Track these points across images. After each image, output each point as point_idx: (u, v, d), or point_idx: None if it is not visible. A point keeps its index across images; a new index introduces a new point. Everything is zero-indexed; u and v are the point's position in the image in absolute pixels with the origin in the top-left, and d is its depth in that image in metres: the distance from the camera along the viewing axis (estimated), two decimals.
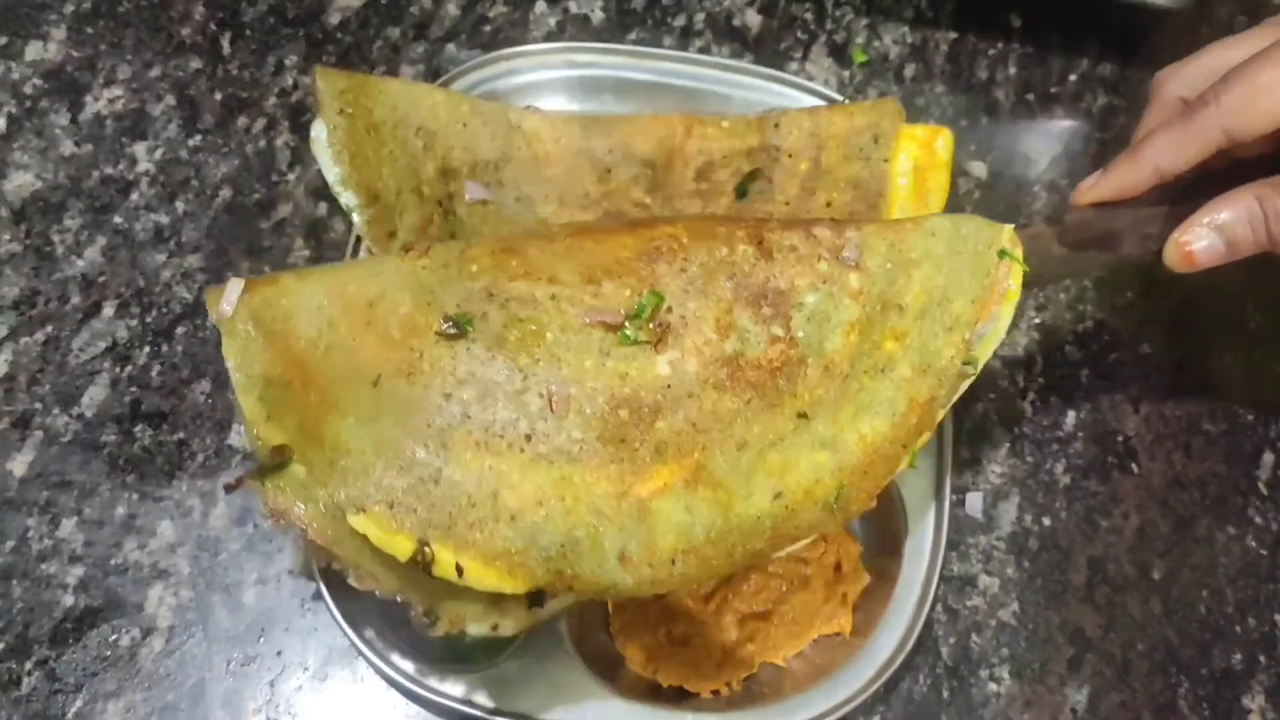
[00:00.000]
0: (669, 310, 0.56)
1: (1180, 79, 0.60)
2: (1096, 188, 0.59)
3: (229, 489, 0.51)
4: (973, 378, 0.58)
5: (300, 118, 0.80)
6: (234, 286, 0.54)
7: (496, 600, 0.53)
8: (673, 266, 0.56)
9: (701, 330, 0.56)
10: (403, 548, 0.51)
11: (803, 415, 0.56)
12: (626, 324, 0.55)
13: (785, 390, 0.56)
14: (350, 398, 0.53)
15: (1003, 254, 0.57)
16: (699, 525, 0.54)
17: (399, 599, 0.52)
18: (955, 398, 0.57)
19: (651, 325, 0.55)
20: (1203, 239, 0.56)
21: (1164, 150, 0.56)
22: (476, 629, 0.53)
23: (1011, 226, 0.59)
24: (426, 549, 0.50)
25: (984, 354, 0.58)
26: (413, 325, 0.54)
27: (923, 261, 0.58)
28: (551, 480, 0.53)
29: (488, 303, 0.54)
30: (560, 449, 0.53)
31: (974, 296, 0.57)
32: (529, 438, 0.53)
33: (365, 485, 0.51)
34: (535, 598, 0.52)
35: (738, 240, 0.57)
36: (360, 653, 0.63)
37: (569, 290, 0.55)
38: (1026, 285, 0.58)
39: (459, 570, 0.50)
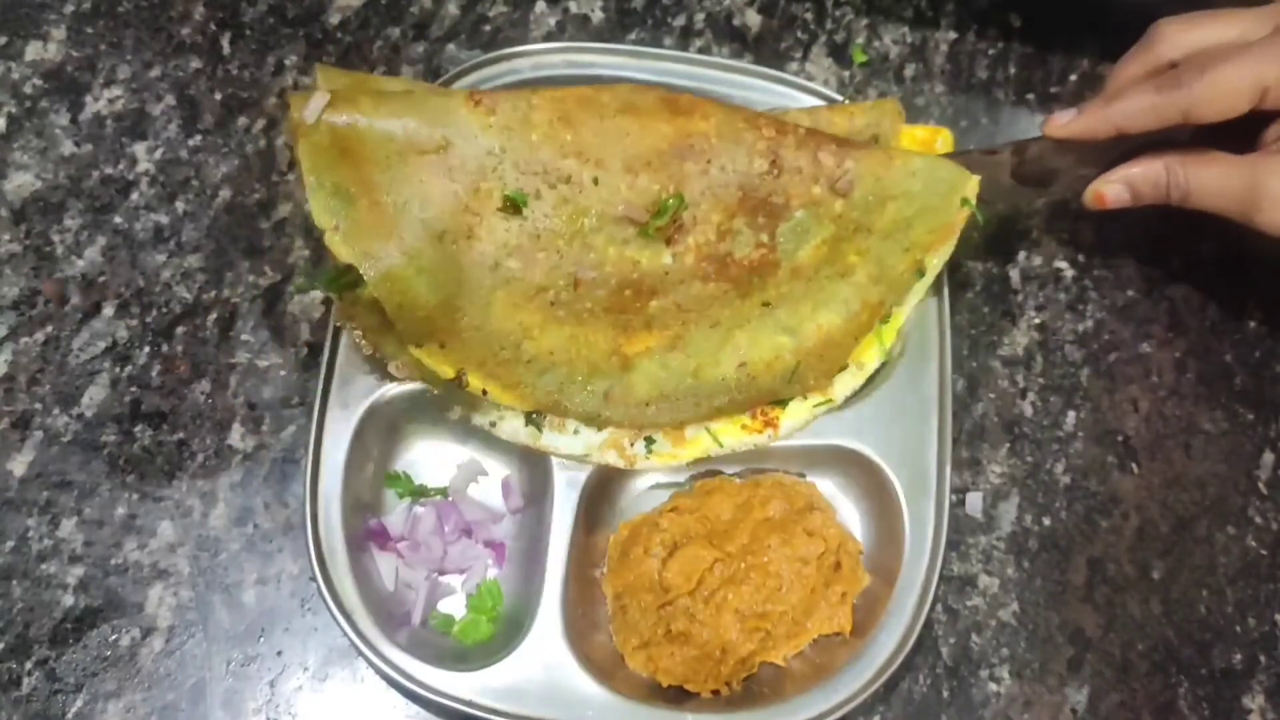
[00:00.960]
0: (685, 208, 0.67)
1: (1175, 41, 0.67)
2: (1068, 125, 0.67)
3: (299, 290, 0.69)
4: (926, 282, 0.68)
5: None
6: (319, 98, 0.62)
7: (501, 409, 0.67)
8: (698, 165, 0.67)
9: (705, 231, 0.68)
10: (446, 373, 0.65)
11: (766, 304, 0.67)
12: (650, 221, 0.66)
13: (757, 286, 0.68)
14: (416, 248, 0.63)
15: (964, 202, 0.68)
16: (671, 380, 0.66)
17: (425, 385, 0.67)
18: (912, 302, 0.69)
19: (668, 228, 0.67)
20: (1114, 188, 0.67)
21: (1129, 115, 0.65)
22: (480, 420, 0.67)
23: (977, 178, 0.68)
24: (464, 376, 0.65)
25: (933, 268, 0.68)
26: (475, 188, 0.65)
27: (899, 196, 0.68)
28: (563, 336, 0.66)
29: (541, 180, 0.66)
30: (574, 314, 0.66)
31: (933, 228, 0.67)
32: (553, 304, 0.66)
33: (425, 329, 0.63)
34: (530, 416, 0.66)
35: (756, 154, 0.67)
36: (360, 653, 0.63)
37: (611, 177, 0.66)
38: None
39: (484, 392, 0.65)
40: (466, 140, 0.65)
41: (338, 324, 0.68)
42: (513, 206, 0.65)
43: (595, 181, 0.66)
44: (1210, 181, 0.65)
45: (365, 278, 0.62)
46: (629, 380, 0.66)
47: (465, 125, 0.65)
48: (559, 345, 0.66)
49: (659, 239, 0.67)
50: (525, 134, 0.65)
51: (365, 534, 0.68)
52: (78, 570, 0.68)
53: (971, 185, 0.68)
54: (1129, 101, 0.65)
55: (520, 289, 0.65)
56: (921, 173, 0.68)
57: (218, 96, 0.81)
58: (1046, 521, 0.72)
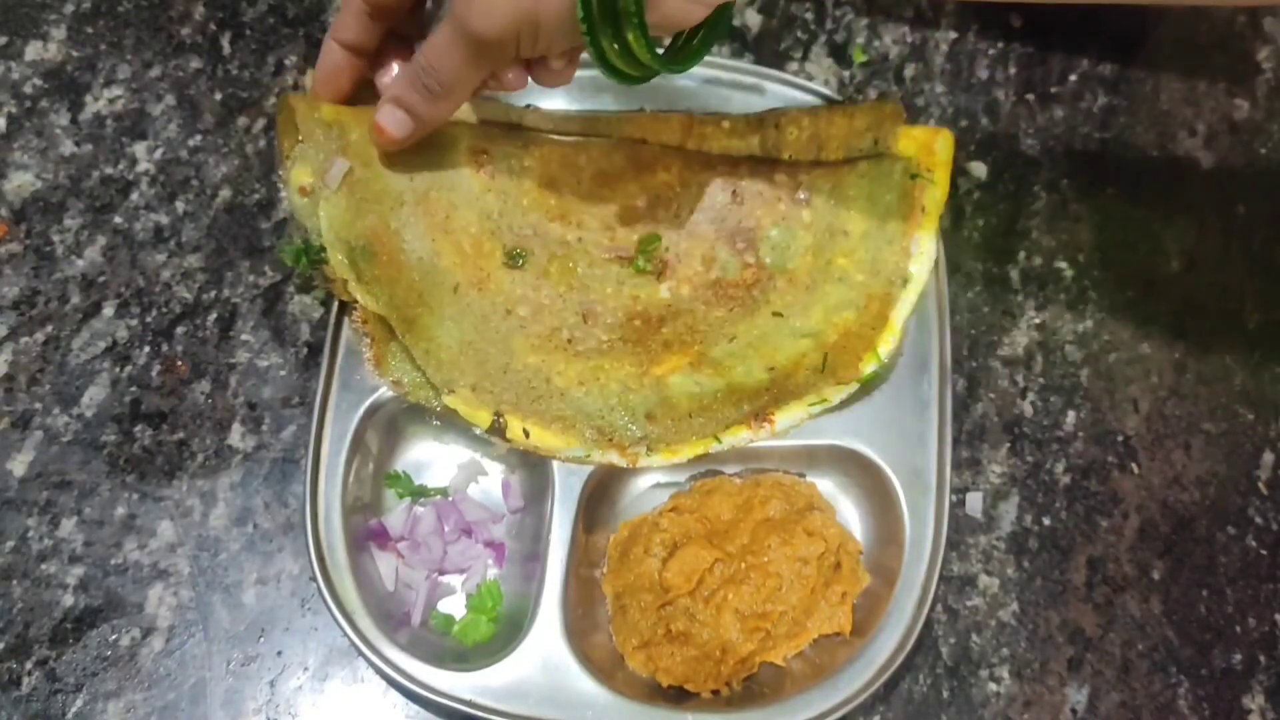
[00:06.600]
0: (667, 250, 0.71)
1: None
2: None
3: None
4: (917, 288, 0.70)
5: None
6: (341, 166, 0.66)
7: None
8: (669, 212, 0.72)
9: (691, 264, 0.72)
10: (483, 419, 0.66)
11: (777, 314, 0.70)
12: (638, 257, 0.71)
13: (760, 299, 0.71)
14: (437, 298, 0.68)
15: (914, 176, 0.71)
16: (707, 391, 0.68)
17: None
18: (907, 310, 0.70)
19: (654, 261, 0.71)
20: (385, 112, 0.65)
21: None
22: (479, 429, 0.67)
23: (904, 161, 0.71)
24: (500, 419, 0.66)
25: (920, 269, 0.70)
26: (480, 248, 0.70)
27: (858, 197, 0.71)
28: (588, 368, 0.68)
29: (534, 240, 0.71)
30: (592, 348, 0.69)
31: (903, 215, 0.71)
32: (569, 341, 0.69)
33: (453, 372, 0.66)
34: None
35: (717, 190, 0.72)
36: (360, 653, 0.63)
37: (592, 235, 0.72)
38: None
39: (525, 433, 0.66)
40: (469, 204, 0.70)
41: (353, 326, 0.68)
42: (513, 261, 0.70)
43: (579, 240, 0.71)
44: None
45: (396, 330, 0.66)
46: (668, 398, 0.67)
47: (468, 188, 0.70)
48: (586, 376, 0.68)
49: (651, 275, 0.71)
50: (518, 198, 0.71)
51: (365, 534, 0.68)
52: (78, 570, 0.68)
53: (910, 165, 0.71)
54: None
55: (535, 333, 0.69)
56: (868, 172, 0.72)
57: (218, 96, 0.81)
58: (1046, 521, 0.72)
